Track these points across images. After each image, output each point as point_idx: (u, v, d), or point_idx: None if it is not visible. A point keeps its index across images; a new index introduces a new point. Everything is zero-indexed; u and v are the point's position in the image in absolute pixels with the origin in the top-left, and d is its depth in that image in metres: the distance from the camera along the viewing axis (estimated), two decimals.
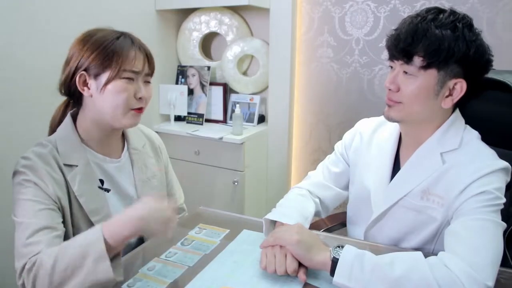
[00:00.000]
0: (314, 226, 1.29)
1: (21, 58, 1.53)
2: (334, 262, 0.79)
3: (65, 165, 0.91)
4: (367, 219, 1.04)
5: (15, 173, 0.89)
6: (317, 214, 1.13)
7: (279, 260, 0.85)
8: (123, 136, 1.06)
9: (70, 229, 0.90)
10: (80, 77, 0.91)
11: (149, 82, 0.97)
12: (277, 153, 2.19)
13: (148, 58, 0.95)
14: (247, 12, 2.23)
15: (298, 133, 2.22)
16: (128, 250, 0.99)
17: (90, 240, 0.75)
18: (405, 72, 0.89)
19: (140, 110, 0.95)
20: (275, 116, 2.15)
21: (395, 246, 1.00)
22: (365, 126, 1.13)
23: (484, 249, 0.76)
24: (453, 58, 0.85)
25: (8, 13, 1.48)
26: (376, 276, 0.76)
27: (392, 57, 0.92)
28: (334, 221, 1.34)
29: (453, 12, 0.87)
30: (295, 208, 1.03)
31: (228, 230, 1.07)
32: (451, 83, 0.88)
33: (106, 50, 0.90)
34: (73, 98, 0.97)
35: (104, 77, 0.90)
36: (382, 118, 1.08)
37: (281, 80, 2.09)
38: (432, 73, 0.86)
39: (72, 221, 0.91)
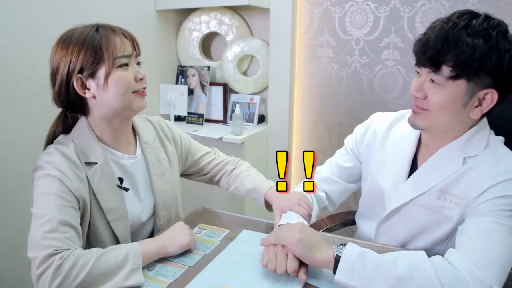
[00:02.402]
0: (314, 226, 1.29)
1: (21, 58, 1.52)
2: (337, 260, 0.79)
3: (86, 163, 0.92)
4: (379, 215, 1.02)
5: (37, 168, 0.88)
6: (324, 208, 1.13)
7: (280, 259, 0.84)
8: (134, 132, 1.06)
9: (86, 227, 0.90)
10: (77, 81, 0.89)
11: (140, 62, 0.97)
12: None
13: (133, 40, 0.95)
14: (247, 12, 2.23)
15: (298, 133, 2.22)
16: None
17: (129, 253, 0.83)
18: (432, 81, 0.85)
19: (144, 93, 0.96)
20: (275, 116, 2.14)
21: (404, 246, 0.99)
22: (380, 122, 1.09)
23: (493, 252, 0.75)
24: (484, 70, 0.79)
25: (8, 13, 1.47)
26: (378, 274, 0.75)
27: (418, 63, 0.87)
28: (334, 221, 1.34)
29: (487, 18, 0.81)
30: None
31: (228, 230, 1.07)
32: (481, 93, 0.83)
33: (92, 45, 0.87)
34: (74, 106, 0.94)
35: (101, 72, 0.88)
36: (397, 114, 1.06)
37: (281, 80, 2.09)
38: (461, 84, 0.82)
39: (90, 218, 0.91)
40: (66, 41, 0.89)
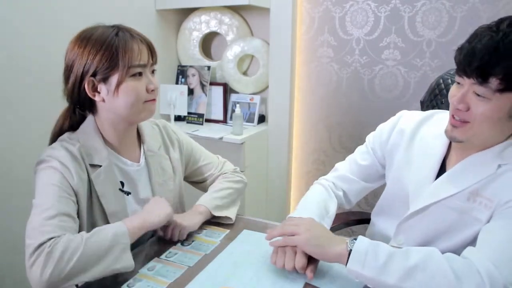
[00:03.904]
0: None
1: (22, 57, 1.52)
2: (351, 253, 0.79)
3: (90, 165, 0.92)
4: (400, 213, 1.01)
5: (40, 161, 0.88)
6: (340, 206, 1.13)
7: (288, 256, 0.85)
8: (139, 137, 1.06)
9: (85, 226, 0.90)
10: (88, 83, 0.89)
11: (154, 70, 0.97)
12: (277, 153, 2.19)
13: (151, 48, 0.94)
14: (247, 12, 2.23)
15: (298, 133, 2.22)
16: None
17: (116, 233, 0.82)
18: (476, 93, 0.79)
19: (153, 100, 0.95)
20: (275, 116, 2.14)
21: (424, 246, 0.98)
22: (408, 121, 1.06)
23: None
24: None
25: (8, 12, 1.47)
26: (391, 264, 0.75)
27: (462, 73, 0.81)
28: (335, 221, 1.33)
29: None
30: (316, 203, 1.03)
31: (228, 230, 1.07)
32: None
33: (109, 50, 0.87)
34: (84, 105, 0.95)
35: (114, 79, 0.88)
36: (426, 113, 1.04)
37: (281, 80, 2.08)
38: (509, 96, 0.77)
39: (91, 221, 0.91)
40: (85, 40, 0.88)
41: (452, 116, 0.85)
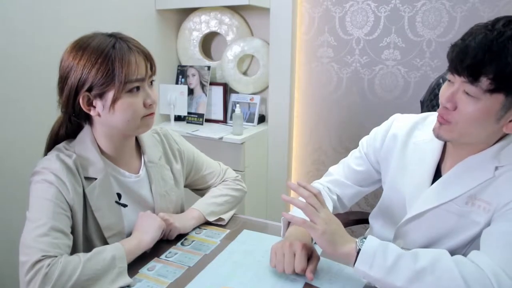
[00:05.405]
0: None
1: (22, 58, 1.52)
2: (359, 254, 0.78)
3: (85, 177, 0.90)
4: (398, 218, 1.00)
5: (35, 173, 0.87)
6: (334, 210, 1.11)
7: (287, 259, 0.84)
8: (139, 148, 1.04)
9: (81, 241, 0.89)
10: (83, 98, 0.86)
11: (153, 81, 0.94)
12: (277, 153, 2.19)
13: (149, 59, 0.90)
14: (247, 12, 2.23)
15: (298, 133, 2.22)
16: None
17: (114, 257, 0.83)
18: (466, 92, 0.78)
19: (151, 114, 0.93)
20: (275, 116, 2.14)
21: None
22: (400, 125, 1.04)
23: None
24: None
25: (9, 12, 1.47)
26: (399, 265, 0.75)
27: (453, 71, 0.79)
28: None
29: None
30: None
31: (228, 230, 1.07)
32: None
33: (106, 63, 0.83)
34: (79, 116, 0.92)
35: (110, 94, 0.85)
36: (419, 116, 1.03)
37: (281, 80, 2.08)
38: (498, 97, 0.75)
39: (85, 233, 0.90)
40: (80, 50, 0.85)
41: (439, 115, 0.85)
